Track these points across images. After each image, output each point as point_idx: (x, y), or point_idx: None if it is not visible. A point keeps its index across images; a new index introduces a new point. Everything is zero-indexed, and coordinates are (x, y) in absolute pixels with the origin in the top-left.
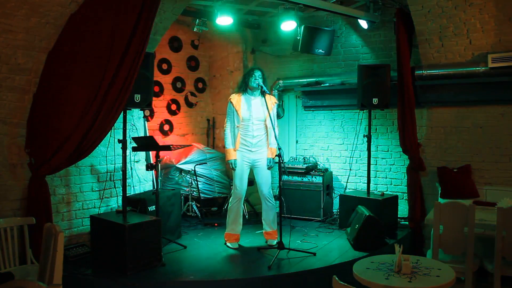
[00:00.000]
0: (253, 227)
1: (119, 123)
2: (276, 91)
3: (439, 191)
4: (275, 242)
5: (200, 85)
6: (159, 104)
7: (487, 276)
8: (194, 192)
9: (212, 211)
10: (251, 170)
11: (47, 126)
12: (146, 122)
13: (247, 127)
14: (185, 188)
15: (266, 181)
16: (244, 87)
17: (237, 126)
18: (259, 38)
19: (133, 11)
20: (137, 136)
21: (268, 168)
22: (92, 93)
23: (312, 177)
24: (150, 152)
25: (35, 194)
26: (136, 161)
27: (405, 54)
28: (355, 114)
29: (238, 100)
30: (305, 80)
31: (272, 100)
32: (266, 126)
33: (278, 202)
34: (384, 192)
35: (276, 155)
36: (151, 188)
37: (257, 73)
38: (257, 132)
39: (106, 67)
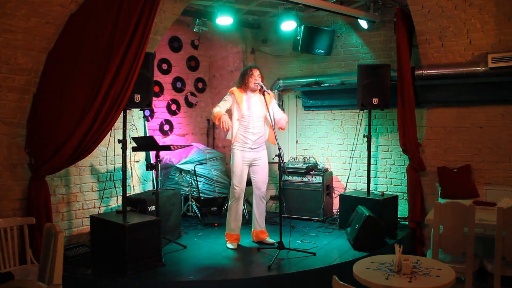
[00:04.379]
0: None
1: (119, 123)
2: (276, 91)
3: (439, 191)
4: (272, 241)
5: (200, 85)
6: (159, 104)
7: (487, 276)
8: (194, 192)
9: (212, 211)
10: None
11: (47, 126)
12: (146, 122)
13: (247, 124)
14: (185, 188)
15: (265, 180)
16: (244, 87)
17: (238, 120)
18: (259, 38)
19: (133, 11)
20: (137, 136)
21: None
22: (92, 93)
23: (312, 177)
24: (150, 152)
25: (35, 194)
26: (136, 161)
27: (405, 54)
28: (355, 114)
29: (240, 94)
30: (305, 80)
31: (270, 95)
32: (264, 124)
33: (278, 202)
34: (384, 192)
35: (276, 155)
36: (151, 188)
37: (256, 73)
38: (257, 129)
39: (106, 67)
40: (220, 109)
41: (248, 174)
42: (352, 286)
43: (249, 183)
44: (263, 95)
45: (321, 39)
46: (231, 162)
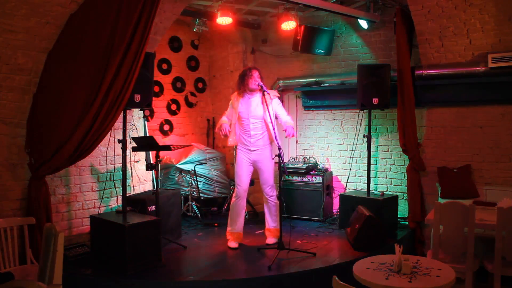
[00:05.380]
0: (253, 227)
1: (119, 123)
2: (276, 91)
3: (439, 191)
4: (274, 241)
5: (200, 85)
6: (159, 104)
7: (487, 276)
8: (194, 192)
9: (212, 211)
10: (255, 170)
11: (47, 126)
12: (146, 122)
13: (245, 126)
14: (185, 188)
15: (266, 181)
16: (242, 89)
17: (235, 124)
18: (259, 38)
19: (133, 11)
20: (137, 136)
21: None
22: (92, 93)
23: (312, 177)
24: (150, 152)
25: (35, 194)
26: (136, 161)
27: (405, 54)
28: (355, 114)
29: (237, 98)
30: (305, 80)
31: (272, 94)
32: (266, 125)
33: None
34: (384, 192)
35: (276, 155)
36: (151, 188)
37: (255, 74)
38: (255, 131)
39: (106, 67)
40: (224, 117)
41: (253, 174)
42: (352, 286)
43: (251, 183)
44: (263, 95)
45: (321, 39)
46: (235, 162)
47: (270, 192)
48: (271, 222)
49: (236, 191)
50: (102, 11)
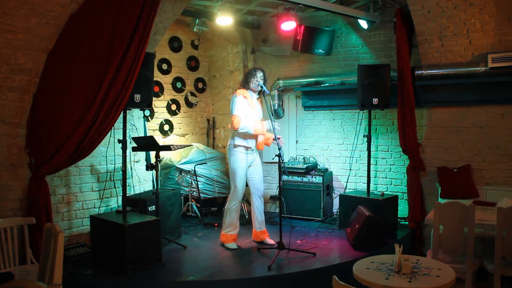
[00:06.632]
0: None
1: (119, 123)
2: (276, 91)
3: (439, 191)
4: (273, 241)
5: (200, 85)
6: (159, 104)
7: (487, 276)
8: (194, 192)
9: (212, 211)
10: None
11: (47, 126)
12: (146, 122)
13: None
14: (185, 188)
15: (260, 179)
16: (247, 87)
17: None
18: (259, 38)
19: (133, 11)
20: (137, 136)
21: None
22: (92, 93)
23: (312, 177)
24: (150, 152)
25: (35, 194)
26: (136, 161)
27: (405, 54)
28: (355, 114)
29: (249, 98)
30: (305, 80)
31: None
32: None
33: (278, 202)
34: (384, 192)
35: (276, 155)
36: (151, 188)
37: (259, 74)
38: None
39: (106, 67)
40: (248, 122)
41: None
42: (352, 286)
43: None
44: (263, 96)
45: (321, 39)
46: (233, 165)
47: (262, 188)
48: (262, 223)
49: (236, 194)
50: (102, 11)
